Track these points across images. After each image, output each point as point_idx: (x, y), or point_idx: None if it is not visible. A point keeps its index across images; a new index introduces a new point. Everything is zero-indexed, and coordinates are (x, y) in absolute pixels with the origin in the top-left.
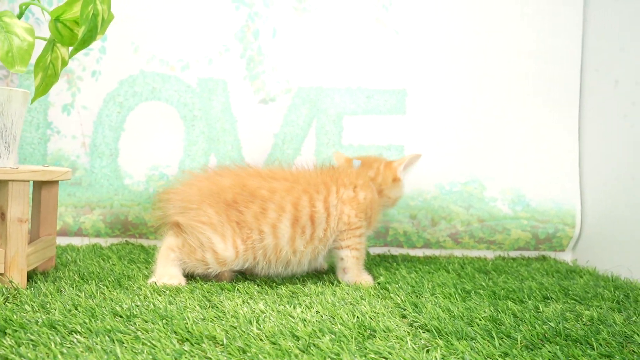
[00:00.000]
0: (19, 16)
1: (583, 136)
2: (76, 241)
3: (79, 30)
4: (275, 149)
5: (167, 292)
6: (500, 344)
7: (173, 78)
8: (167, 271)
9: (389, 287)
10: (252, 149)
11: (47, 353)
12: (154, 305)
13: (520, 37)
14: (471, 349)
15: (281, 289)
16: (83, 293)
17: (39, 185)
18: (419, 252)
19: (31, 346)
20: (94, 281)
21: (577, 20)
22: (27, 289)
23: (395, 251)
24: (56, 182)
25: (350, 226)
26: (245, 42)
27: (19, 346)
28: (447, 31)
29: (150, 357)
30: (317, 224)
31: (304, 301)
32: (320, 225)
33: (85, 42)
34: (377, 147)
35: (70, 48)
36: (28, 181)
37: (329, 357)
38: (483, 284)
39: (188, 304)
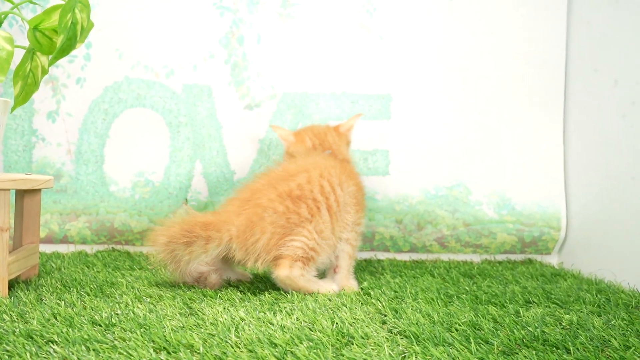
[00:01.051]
0: None
1: (568, 139)
2: (62, 248)
3: (57, 39)
4: (260, 154)
5: (148, 299)
6: (477, 350)
7: (158, 84)
8: (324, 285)
9: (372, 293)
10: (237, 155)
11: None
12: (134, 313)
13: (505, 39)
14: (447, 355)
15: (264, 295)
16: (63, 302)
17: (21, 194)
18: (405, 257)
19: (6, 357)
20: (75, 289)
21: (563, 22)
22: (8, 297)
23: (382, 255)
24: (39, 190)
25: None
26: (229, 48)
27: None
28: (430, 36)
29: None
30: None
31: (285, 308)
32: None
33: (65, 50)
34: (363, 152)
35: (50, 57)
36: (9, 190)
37: None
38: (467, 288)
39: (168, 312)
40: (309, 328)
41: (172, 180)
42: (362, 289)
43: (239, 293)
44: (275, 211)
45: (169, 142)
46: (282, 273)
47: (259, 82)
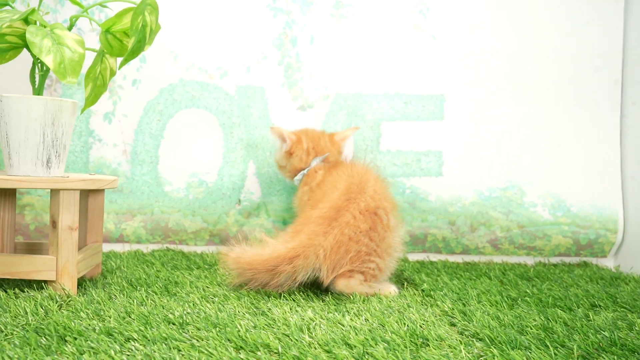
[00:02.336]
0: (69, 28)
1: (625, 139)
2: (118, 247)
3: (128, 41)
4: None
5: (216, 299)
6: (555, 353)
7: (212, 86)
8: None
9: (434, 295)
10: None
11: None
12: (205, 312)
13: (561, 39)
14: (527, 359)
15: (327, 296)
16: (134, 300)
17: (85, 194)
18: (457, 258)
19: (92, 353)
20: (142, 288)
21: (619, 22)
22: (78, 295)
23: (434, 257)
24: (102, 190)
25: None
26: (283, 49)
27: (81, 354)
28: (485, 35)
29: None
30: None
31: (352, 309)
32: None
33: (135, 52)
34: (415, 153)
35: (119, 59)
36: (78, 190)
37: None
38: (527, 290)
39: (237, 311)
40: (381, 329)
41: (226, 181)
42: (423, 290)
43: (301, 294)
44: (360, 230)
45: (222, 143)
46: (341, 283)
47: (312, 83)
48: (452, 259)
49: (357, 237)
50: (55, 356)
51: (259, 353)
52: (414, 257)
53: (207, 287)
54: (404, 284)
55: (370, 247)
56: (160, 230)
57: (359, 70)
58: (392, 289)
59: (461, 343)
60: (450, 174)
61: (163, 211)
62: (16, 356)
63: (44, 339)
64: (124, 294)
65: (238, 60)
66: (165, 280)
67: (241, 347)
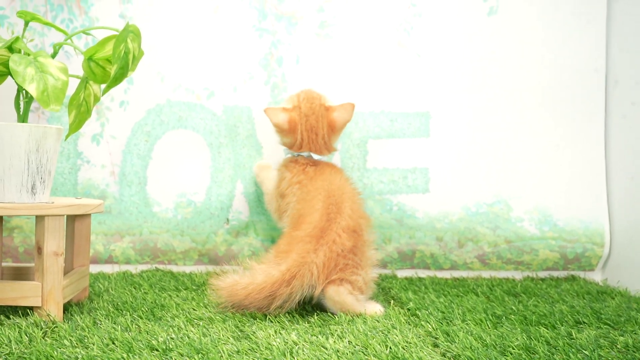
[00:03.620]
0: (53, 55)
1: (610, 153)
2: (107, 268)
3: (111, 69)
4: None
5: (201, 322)
6: None
7: (199, 106)
8: (369, 306)
9: (419, 314)
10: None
11: None
12: (189, 337)
13: (544, 55)
14: None
15: (312, 317)
16: (119, 326)
17: (72, 218)
18: (446, 274)
19: None
20: (128, 312)
21: (602, 34)
22: (64, 322)
23: (423, 273)
24: (89, 214)
25: None
26: (269, 69)
27: None
28: (468, 53)
29: None
30: None
31: (336, 331)
32: None
33: (117, 79)
34: (402, 170)
35: (102, 85)
36: (63, 215)
37: None
38: (513, 307)
39: (221, 335)
40: (363, 352)
41: (214, 201)
42: (408, 309)
43: (287, 315)
44: (345, 247)
45: (210, 163)
46: (331, 289)
47: None
48: (440, 274)
49: (344, 254)
50: None
51: None
52: (402, 273)
53: (194, 310)
54: (390, 302)
55: (356, 262)
56: (149, 250)
57: (344, 88)
58: (377, 308)
59: None
60: (437, 190)
61: (152, 232)
62: None
63: None
64: (109, 319)
65: (225, 81)
66: (151, 303)
67: None
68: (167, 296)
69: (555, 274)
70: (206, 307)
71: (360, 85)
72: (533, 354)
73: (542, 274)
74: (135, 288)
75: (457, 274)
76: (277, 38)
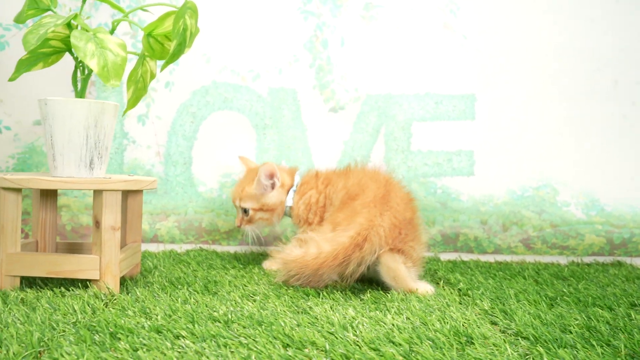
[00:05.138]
0: (111, 32)
1: None
2: (152, 247)
3: (169, 45)
4: (344, 155)
5: (257, 297)
6: (602, 353)
7: (244, 88)
8: (421, 286)
9: (471, 294)
10: (321, 156)
11: (161, 357)
12: (248, 311)
13: (594, 37)
14: (574, 357)
15: (364, 294)
16: (178, 299)
17: (125, 194)
18: (489, 258)
19: (145, 349)
20: (183, 287)
21: None
22: (123, 294)
23: (466, 257)
24: (141, 190)
25: None
26: (314, 51)
27: (135, 350)
28: (515, 34)
29: None
30: None
31: (392, 307)
32: None
33: (175, 55)
34: (447, 153)
35: (158, 61)
36: (120, 190)
37: None
38: (564, 290)
39: (279, 310)
40: (423, 327)
41: None
42: (459, 289)
43: (338, 292)
44: (404, 217)
45: (255, 144)
46: (387, 256)
47: (343, 84)
48: (484, 258)
49: (404, 223)
50: (110, 352)
51: (306, 351)
52: (445, 256)
53: (246, 286)
54: (438, 283)
55: (413, 234)
56: (194, 230)
57: (389, 71)
58: (428, 288)
59: (505, 342)
60: (481, 173)
61: (196, 211)
62: (73, 352)
63: (97, 336)
64: (166, 293)
65: (270, 63)
66: (204, 279)
67: (288, 344)
68: (216, 273)
69: (600, 259)
70: (258, 284)
71: (405, 68)
72: (596, 332)
73: (587, 259)
74: (184, 265)
75: (500, 257)
76: (322, 20)
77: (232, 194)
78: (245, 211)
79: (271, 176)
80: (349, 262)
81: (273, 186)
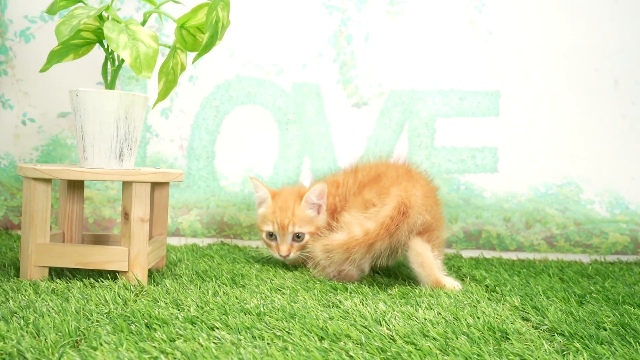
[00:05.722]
0: (143, 23)
1: None
2: (174, 241)
3: (201, 37)
4: (367, 151)
5: (287, 291)
6: None
7: (268, 82)
8: (448, 281)
9: (499, 290)
10: (345, 151)
11: (200, 348)
12: (279, 304)
13: (619, 34)
14: (612, 354)
15: (391, 289)
16: (208, 291)
17: (152, 187)
18: (512, 256)
19: (182, 340)
20: (211, 279)
21: None
22: (153, 285)
23: (488, 254)
24: (167, 183)
25: None
26: (338, 46)
27: (172, 341)
28: (541, 31)
29: (297, 353)
30: None
31: (422, 302)
32: None
33: (207, 47)
34: (470, 149)
35: (189, 54)
36: (149, 182)
37: (470, 358)
38: (592, 288)
39: (310, 304)
40: (457, 322)
41: (281, 176)
42: (486, 286)
43: (365, 287)
44: (428, 199)
45: (278, 139)
46: (417, 240)
47: (367, 80)
48: (506, 256)
49: (433, 200)
50: (148, 342)
51: (341, 343)
52: (467, 254)
53: (273, 280)
54: (464, 279)
55: (436, 217)
56: (216, 224)
57: (413, 66)
58: (455, 284)
59: (540, 337)
60: (505, 170)
61: (219, 205)
62: (112, 342)
63: (133, 326)
64: (195, 285)
65: (294, 57)
66: (230, 272)
67: (322, 337)
68: (241, 267)
69: (624, 258)
70: (284, 278)
71: (430, 63)
72: (631, 330)
73: (610, 258)
74: (208, 259)
75: (522, 255)
76: (347, 15)
77: (279, 220)
78: (298, 236)
79: (321, 197)
80: (398, 231)
81: (319, 208)
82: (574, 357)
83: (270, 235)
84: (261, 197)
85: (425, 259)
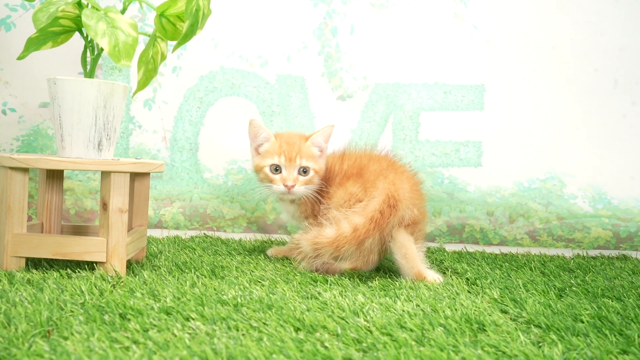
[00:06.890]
0: (122, 11)
1: None
2: (156, 233)
3: (181, 25)
4: (352, 144)
5: (266, 282)
6: (616, 341)
7: (252, 74)
8: (429, 274)
9: (479, 283)
10: (329, 144)
11: (173, 338)
12: (257, 295)
13: (602, 30)
14: (587, 345)
15: (372, 281)
16: (186, 282)
17: (132, 178)
18: (495, 250)
19: (156, 330)
20: (190, 271)
21: None
22: (130, 276)
23: (471, 248)
24: (148, 174)
25: None
26: (323, 39)
27: (145, 331)
28: (526, 25)
29: (272, 344)
30: None
31: (401, 294)
32: None
33: (188, 36)
34: (454, 143)
35: (169, 42)
36: (127, 173)
37: (445, 349)
38: (572, 282)
39: (288, 295)
40: (434, 314)
41: None
42: (467, 279)
43: (346, 279)
44: (412, 195)
45: None
46: (402, 232)
47: (351, 72)
48: (489, 250)
49: (416, 196)
50: (121, 332)
51: (317, 334)
52: (451, 247)
53: (253, 271)
54: (445, 272)
55: (421, 210)
56: (199, 216)
57: (398, 60)
58: (437, 277)
59: (517, 329)
60: (489, 164)
61: (202, 197)
62: (83, 332)
63: (107, 316)
64: (173, 276)
65: (278, 50)
66: (210, 264)
67: (299, 328)
68: (222, 259)
69: (605, 252)
70: (265, 270)
71: (415, 57)
72: (608, 322)
73: (593, 252)
74: (189, 251)
75: (505, 249)
76: (332, 8)
77: (287, 152)
78: (304, 171)
79: (328, 139)
80: (387, 225)
81: (322, 152)
82: (549, 348)
83: (276, 169)
84: (264, 137)
85: (408, 250)
